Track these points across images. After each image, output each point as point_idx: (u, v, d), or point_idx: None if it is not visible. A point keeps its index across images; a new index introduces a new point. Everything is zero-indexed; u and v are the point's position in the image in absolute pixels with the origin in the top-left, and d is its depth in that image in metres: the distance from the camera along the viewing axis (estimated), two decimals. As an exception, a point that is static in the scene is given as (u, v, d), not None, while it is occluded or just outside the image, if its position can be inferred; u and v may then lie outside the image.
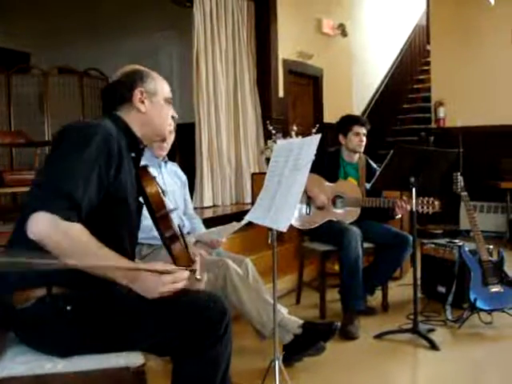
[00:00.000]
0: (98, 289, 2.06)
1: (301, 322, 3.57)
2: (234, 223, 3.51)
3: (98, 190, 2.05)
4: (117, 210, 2.19)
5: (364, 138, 4.75)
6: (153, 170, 3.75)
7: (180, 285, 2.07)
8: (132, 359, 2.13)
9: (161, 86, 2.40)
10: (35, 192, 2.03)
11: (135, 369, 2.12)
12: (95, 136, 2.07)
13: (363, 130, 4.74)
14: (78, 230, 1.96)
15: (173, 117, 2.53)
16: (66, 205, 1.96)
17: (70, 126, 2.16)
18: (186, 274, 2.10)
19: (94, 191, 2.04)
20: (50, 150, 2.15)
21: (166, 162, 3.91)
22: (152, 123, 2.37)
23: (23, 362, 2.08)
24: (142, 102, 2.32)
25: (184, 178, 4.07)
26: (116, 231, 2.20)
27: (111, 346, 2.12)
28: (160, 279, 2.03)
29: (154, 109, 2.35)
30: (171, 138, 3.82)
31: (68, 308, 2.04)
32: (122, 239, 2.24)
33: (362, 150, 4.80)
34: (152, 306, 2.08)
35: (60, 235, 1.93)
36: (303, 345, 3.52)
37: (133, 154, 2.33)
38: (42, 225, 1.91)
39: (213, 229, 3.80)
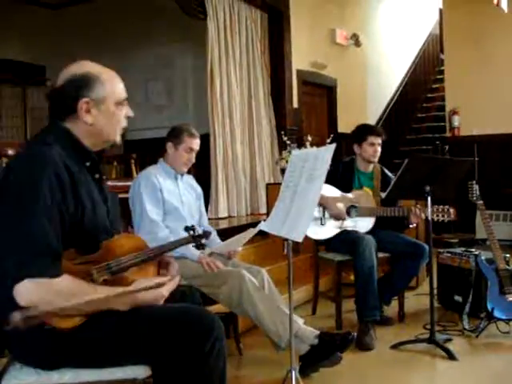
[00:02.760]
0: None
1: (317, 332, 3.56)
2: (251, 229, 3.52)
3: (62, 227, 1.99)
4: (81, 233, 2.08)
5: (379, 148, 4.73)
6: (169, 182, 3.82)
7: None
8: (138, 371, 2.12)
9: (111, 89, 2.19)
10: (10, 258, 1.89)
11: (141, 381, 2.12)
12: (42, 174, 1.95)
13: (378, 140, 4.71)
14: (67, 283, 1.94)
15: (128, 116, 2.28)
16: (49, 260, 1.92)
17: (16, 165, 2.04)
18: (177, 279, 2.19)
19: (60, 230, 1.98)
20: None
21: (182, 175, 3.94)
22: (101, 133, 2.20)
23: (31, 372, 2.09)
24: (89, 112, 2.14)
25: (199, 190, 4.10)
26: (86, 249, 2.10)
27: (93, 362, 2.09)
28: (158, 290, 2.09)
29: (102, 118, 2.17)
30: (193, 156, 3.88)
31: (47, 327, 1.97)
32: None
33: (377, 159, 4.78)
34: (132, 320, 2.06)
35: (52, 296, 1.90)
36: (319, 355, 3.51)
37: (87, 164, 2.19)
38: (31, 294, 1.88)
39: (229, 240, 3.81)
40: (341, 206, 4.59)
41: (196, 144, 3.86)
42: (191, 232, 2.48)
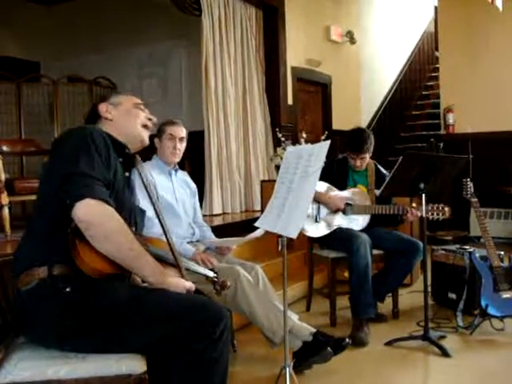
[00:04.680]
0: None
1: (313, 330, 3.56)
2: (255, 232, 3.48)
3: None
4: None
5: (360, 162, 4.67)
6: (163, 178, 3.80)
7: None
8: (134, 367, 2.13)
9: (125, 97, 2.59)
10: (74, 181, 2.10)
11: (137, 376, 2.12)
12: (96, 133, 2.27)
13: (359, 156, 4.64)
14: (118, 216, 2.14)
15: (150, 119, 2.59)
16: (106, 191, 2.16)
17: (72, 129, 2.35)
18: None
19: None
20: (57, 150, 2.27)
21: (176, 171, 3.93)
22: (123, 127, 2.50)
23: (26, 368, 2.11)
24: (108, 112, 2.51)
25: (194, 186, 4.09)
26: None
27: (104, 336, 2.15)
28: (182, 280, 2.28)
29: (120, 114, 2.52)
30: (183, 145, 3.86)
31: (67, 290, 2.12)
32: None
33: (362, 168, 4.75)
34: (149, 301, 2.17)
35: (106, 217, 2.10)
36: (311, 351, 3.51)
37: (120, 159, 2.43)
38: (90, 209, 2.07)
39: (227, 238, 3.80)
40: (336, 197, 4.58)
41: (176, 131, 3.83)
42: (216, 275, 2.64)
